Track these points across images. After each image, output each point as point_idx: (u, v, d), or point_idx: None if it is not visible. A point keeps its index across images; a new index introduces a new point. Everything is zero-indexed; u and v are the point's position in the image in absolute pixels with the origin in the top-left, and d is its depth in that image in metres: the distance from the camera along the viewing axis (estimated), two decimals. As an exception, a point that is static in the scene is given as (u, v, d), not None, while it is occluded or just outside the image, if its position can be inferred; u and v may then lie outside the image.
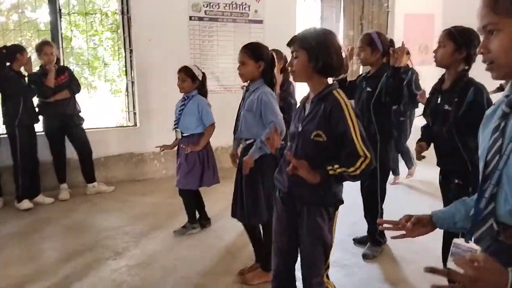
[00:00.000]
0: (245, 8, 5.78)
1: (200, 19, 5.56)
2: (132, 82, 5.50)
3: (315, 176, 1.67)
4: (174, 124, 3.63)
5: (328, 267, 1.93)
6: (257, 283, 2.82)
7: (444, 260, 2.36)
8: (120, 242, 3.49)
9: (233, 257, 3.25)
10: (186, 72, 3.55)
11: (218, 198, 4.29)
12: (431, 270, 0.90)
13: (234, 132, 2.97)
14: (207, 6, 5.57)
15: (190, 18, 5.50)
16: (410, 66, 4.72)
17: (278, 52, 3.80)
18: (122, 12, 5.41)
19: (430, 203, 4.07)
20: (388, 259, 3.15)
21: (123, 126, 5.69)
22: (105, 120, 6.30)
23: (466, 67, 2.26)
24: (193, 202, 3.74)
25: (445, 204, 2.44)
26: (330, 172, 1.66)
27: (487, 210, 1.00)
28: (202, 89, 3.63)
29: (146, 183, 5.32)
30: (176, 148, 3.68)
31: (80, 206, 4.40)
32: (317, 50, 1.71)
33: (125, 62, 5.62)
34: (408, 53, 4.54)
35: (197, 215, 3.79)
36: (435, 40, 6.98)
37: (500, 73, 0.97)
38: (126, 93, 5.73)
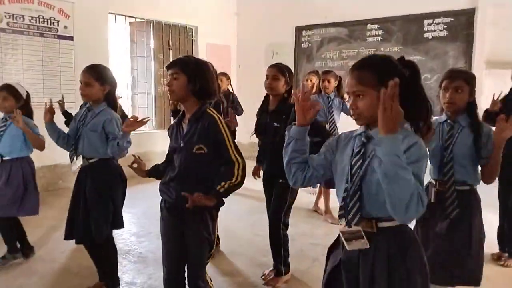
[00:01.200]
0: (53, 23, 5.52)
1: (2, 30, 5.07)
2: None
3: (211, 199, 1.98)
4: None
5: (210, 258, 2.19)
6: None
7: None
8: None
9: (75, 276, 3.19)
10: (8, 91, 3.29)
11: (38, 224, 4.02)
12: None
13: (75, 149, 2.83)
14: (9, 18, 5.11)
15: (-11, 28, 4.95)
16: (231, 91, 5.42)
17: None
18: None
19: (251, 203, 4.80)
20: (222, 254, 3.63)
21: None
22: None
23: (287, 95, 2.97)
24: (14, 230, 3.44)
25: (269, 199, 3.08)
26: (221, 190, 1.98)
27: (355, 207, 1.46)
28: (26, 109, 3.41)
29: None
30: None
31: None
32: (195, 75, 2.03)
33: None
34: (228, 78, 5.24)
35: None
36: (233, 68, 8.05)
37: (363, 122, 1.49)
38: None
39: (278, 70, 2.93)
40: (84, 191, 2.75)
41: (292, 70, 7.22)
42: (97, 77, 2.70)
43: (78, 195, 2.78)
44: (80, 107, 3.94)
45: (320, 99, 4.69)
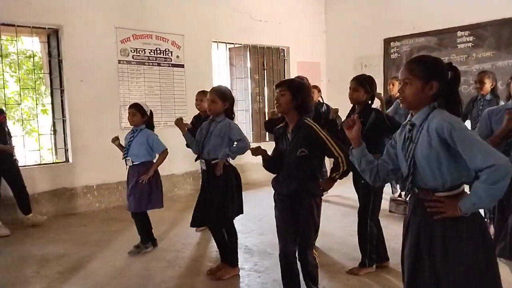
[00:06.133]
0: (168, 54, 6.50)
1: (128, 62, 6.12)
2: (63, 121, 5.74)
3: (330, 184, 2.70)
4: (124, 154, 4.13)
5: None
6: (228, 278, 3.42)
7: None
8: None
9: (197, 262, 3.84)
10: (136, 108, 4.08)
11: (161, 222, 4.83)
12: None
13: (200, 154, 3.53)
14: (134, 52, 6.16)
15: (119, 61, 6.03)
16: (322, 102, 5.85)
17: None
18: (50, 55, 5.70)
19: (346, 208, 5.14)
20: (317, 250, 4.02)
21: (55, 163, 5.82)
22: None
23: (370, 102, 3.33)
24: (146, 223, 4.18)
25: (358, 195, 3.44)
26: (336, 177, 2.62)
27: (408, 181, 1.82)
28: (149, 123, 4.19)
29: (80, 216, 5.52)
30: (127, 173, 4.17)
31: (25, 239, 4.53)
32: (298, 93, 2.57)
33: (52, 102, 5.85)
34: (319, 90, 5.66)
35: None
36: (323, 82, 8.38)
37: (408, 106, 1.84)
38: (51, 132, 5.90)
39: (356, 82, 3.33)
40: (209, 188, 3.39)
41: (382, 80, 7.47)
42: (220, 96, 3.39)
43: (204, 191, 3.45)
44: (192, 121, 4.71)
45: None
